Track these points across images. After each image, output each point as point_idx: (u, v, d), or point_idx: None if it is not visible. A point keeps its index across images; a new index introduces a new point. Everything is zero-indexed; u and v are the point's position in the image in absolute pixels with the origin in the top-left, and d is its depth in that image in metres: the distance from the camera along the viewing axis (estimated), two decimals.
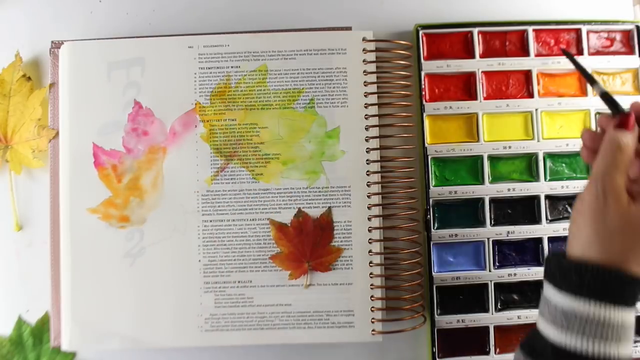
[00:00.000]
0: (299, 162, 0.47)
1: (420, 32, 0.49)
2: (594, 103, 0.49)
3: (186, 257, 0.47)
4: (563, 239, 0.49)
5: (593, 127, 0.49)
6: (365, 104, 0.48)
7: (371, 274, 0.47)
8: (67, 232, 0.46)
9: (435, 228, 0.48)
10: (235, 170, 0.47)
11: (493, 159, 0.49)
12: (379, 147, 0.48)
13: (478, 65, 0.49)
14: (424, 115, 0.49)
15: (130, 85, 0.48)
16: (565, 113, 0.50)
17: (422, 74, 0.49)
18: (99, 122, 0.47)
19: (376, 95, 0.48)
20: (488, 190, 0.48)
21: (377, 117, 0.48)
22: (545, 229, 0.48)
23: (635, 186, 0.33)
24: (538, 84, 0.49)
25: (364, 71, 0.48)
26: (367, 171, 0.47)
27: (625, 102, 0.49)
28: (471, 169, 0.49)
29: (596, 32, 0.51)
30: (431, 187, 0.48)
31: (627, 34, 0.51)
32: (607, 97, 0.37)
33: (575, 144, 0.49)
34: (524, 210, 0.49)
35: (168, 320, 0.46)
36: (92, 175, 0.47)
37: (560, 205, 0.49)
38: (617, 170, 0.33)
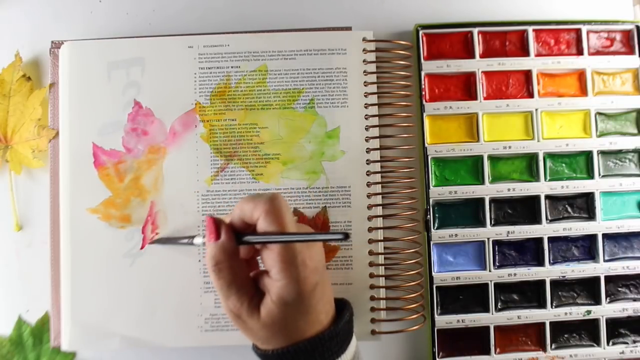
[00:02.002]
0: (299, 162, 0.47)
1: (420, 32, 0.49)
2: (594, 103, 0.49)
3: (186, 257, 0.47)
4: (563, 239, 0.49)
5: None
6: (365, 104, 0.48)
7: (371, 274, 0.47)
8: (67, 232, 0.46)
9: (435, 228, 0.48)
10: (235, 170, 0.47)
11: (493, 159, 0.49)
12: (379, 147, 0.48)
13: (478, 65, 0.49)
14: (424, 115, 0.49)
15: (130, 85, 0.48)
16: (565, 113, 0.50)
17: (422, 74, 0.49)
18: (99, 122, 0.47)
19: (376, 95, 0.48)
20: (488, 190, 0.48)
21: (377, 117, 0.48)
22: (545, 229, 0.48)
23: (267, 279, 0.35)
24: (538, 84, 0.49)
25: (364, 71, 0.48)
26: (367, 171, 0.47)
27: (624, 103, 0.50)
28: (471, 169, 0.49)
29: (596, 32, 0.51)
30: (431, 187, 0.48)
31: (627, 34, 0.51)
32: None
33: (576, 144, 0.49)
34: (524, 210, 0.49)
35: (168, 320, 0.46)
36: (92, 175, 0.47)
37: (560, 205, 0.49)
38: (225, 295, 0.36)
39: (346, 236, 0.31)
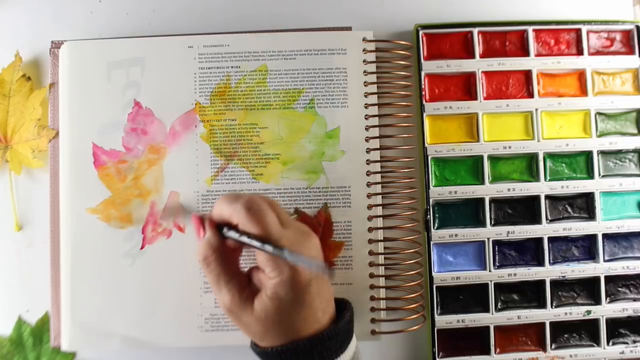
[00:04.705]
0: (299, 162, 0.47)
1: (420, 32, 0.49)
2: (594, 103, 0.49)
3: (186, 257, 0.47)
4: (563, 239, 0.49)
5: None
6: (365, 104, 0.48)
7: (371, 274, 0.47)
8: (67, 232, 0.46)
9: (435, 228, 0.48)
10: (235, 170, 0.47)
11: (493, 159, 0.49)
12: (379, 147, 0.48)
13: (478, 65, 0.49)
14: (424, 115, 0.49)
15: (130, 85, 0.48)
16: (565, 113, 0.50)
17: (422, 74, 0.49)
18: (99, 122, 0.47)
19: (376, 95, 0.48)
20: (488, 190, 0.48)
21: (377, 117, 0.48)
22: (545, 229, 0.48)
23: (262, 275, 0.36)
24: (538, 84, 0.49)
25: (364, 71, 0.48)
26: (367, 171, 0.47)
27: (624, 103, 0.50)
28: (471, 169, 0.49)
29: (596, 32, 0.51)
30: (431, 187, 0.48)
31: (627, 34, 0.51)
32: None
33: (576, 144, 0.49)
34: (524, 210, 0.49)
35: (168, 320, 0.46)
36: (92, 175, 0.47)
37: (560, 205, 0.49)
38: (216, 288, 0.36)
39: (330, 275, 0.31)
